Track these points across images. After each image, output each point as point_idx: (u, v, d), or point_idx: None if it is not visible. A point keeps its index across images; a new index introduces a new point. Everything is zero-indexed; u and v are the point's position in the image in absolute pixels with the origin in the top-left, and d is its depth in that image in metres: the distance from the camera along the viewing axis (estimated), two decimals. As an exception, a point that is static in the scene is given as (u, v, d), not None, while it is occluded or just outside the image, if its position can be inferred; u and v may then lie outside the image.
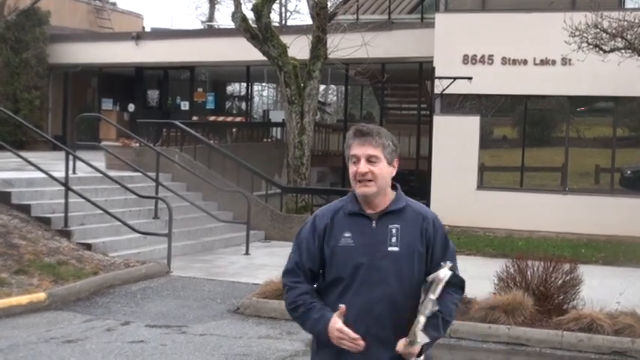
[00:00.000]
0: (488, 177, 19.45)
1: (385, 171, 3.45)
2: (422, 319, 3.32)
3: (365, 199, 3.48)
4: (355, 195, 3.52)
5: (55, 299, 9.85)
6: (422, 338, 3.32)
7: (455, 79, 17.84)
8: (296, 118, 17.85)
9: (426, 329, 3.33)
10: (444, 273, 3.36)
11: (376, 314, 3.41)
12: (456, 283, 3.45)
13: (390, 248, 3.44)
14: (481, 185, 18.89)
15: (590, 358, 8.46)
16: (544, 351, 8.63)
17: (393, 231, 3.44)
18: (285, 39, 18.17)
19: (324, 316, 3.41)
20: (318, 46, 17.90)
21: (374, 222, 3.47)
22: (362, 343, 3.32)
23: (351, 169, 3.47)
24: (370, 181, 3.43)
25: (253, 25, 18.19)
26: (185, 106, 27.03)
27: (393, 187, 3.55)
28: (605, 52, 14.90)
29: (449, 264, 3.42)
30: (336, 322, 3.35)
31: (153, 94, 28.00)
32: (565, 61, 17.70)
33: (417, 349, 3.35)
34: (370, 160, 3.43)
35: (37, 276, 10.36)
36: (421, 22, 22.65)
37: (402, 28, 21.93)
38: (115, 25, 30.18)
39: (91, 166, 13.58)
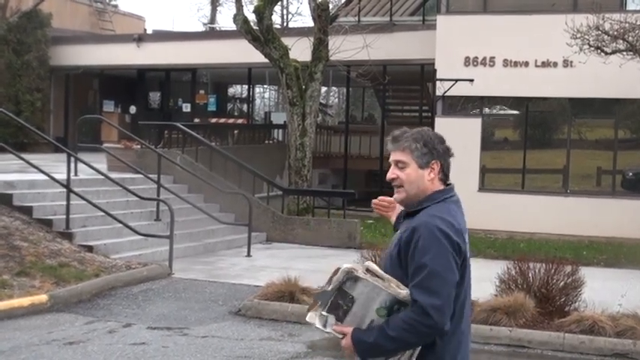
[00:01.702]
0: (490, 179, 19.45)
1: (414, 175, 3.35)
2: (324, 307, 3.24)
3: (400, 204, 3.46)
4: None
5: (57, 301, 9.86)
6: (315, 321, 3.25)
7: (456, 81, 17.85)
8: (297, 120, 17.86)
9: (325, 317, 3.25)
10: (344, 266, 3.23)
11: None
12: (413, 304, 3.14)
13: (387, 250, 3.45)
14: (482, 187, 18.89)
15: (592, 360, 8.47)
16: (545, 353, 8.63)
17: (398, 234, 3.41)
18: (286, 41, 18.17)
19: None
20: (320, 48, 17.90)
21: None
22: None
23: None
24: (400, 187, 3.39)
25: (255, 27, 18.19)
26: (187, 108, 27.02)
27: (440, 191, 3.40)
28: (606, 54, 14.91)
29: (347, 266, 3.22)
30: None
31: (154, 96, 28.00)
32: (566, 63, 17.70)
33: (346, 342, 3.23)
34: (398, 165, 3.39)
35: (38, 278, 10.37)
36: (423, 24, 22.64)
37: (404, 30, 21.92)
38: (117, 27, 30.18)
39: (92, 168, 13.59)
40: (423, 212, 3.31)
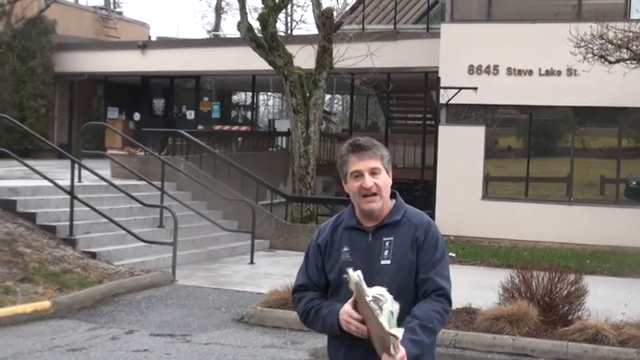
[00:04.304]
0: (493, 187, 19.43)
1: (387, 181, 3.43)
2: (385, 314, 3.19)
3: (371, 213, 3.44)
4: (353, 208, 3.50)
5: (60, 307, 9.86)
6: (397, 331, 3.18)
7: (460, 89, 17.84)
8: (301, 128, 17.87)
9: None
10: (352, 273, 3.22)
11: None
12: (438, 292, 3.36)
13: (382, 262, 3.40)
14: (486, 195, 18.88)
15: (595, 369, 8.45)
16: (549, 362, 8.62)
17: (387, 244, 3.41)
18: (290, 48, 18.20)
19: (334, 307, 3.37)
20: (324, 56, 17.92)
21: (370, 236, 3.44)
22: (364, 327, 3.24)
23: (354, 184, 3.42)
24: (375, 194, 3.39)
25: (259, 35, 18.22)
26: (191, 115, 27.08)
27: (392, 196, 3.51)
28: (610, 62, 14.91)
29: (352, 269, 3.26)
30: (345, 306, 3.30)
31: (158, 103, 28.06)
32: (570, 72, 17.70)
33: (402, 353, 3.16)
34: (373, 172, 3.40)
35: (41, 284, 10.37)
36: (427, 32, 22.67)
37: (408, 38, 21.95)
38: (121, 34, 30.27)
39: (96, 174, 13.61)
40: (411, 216, 3.48)
